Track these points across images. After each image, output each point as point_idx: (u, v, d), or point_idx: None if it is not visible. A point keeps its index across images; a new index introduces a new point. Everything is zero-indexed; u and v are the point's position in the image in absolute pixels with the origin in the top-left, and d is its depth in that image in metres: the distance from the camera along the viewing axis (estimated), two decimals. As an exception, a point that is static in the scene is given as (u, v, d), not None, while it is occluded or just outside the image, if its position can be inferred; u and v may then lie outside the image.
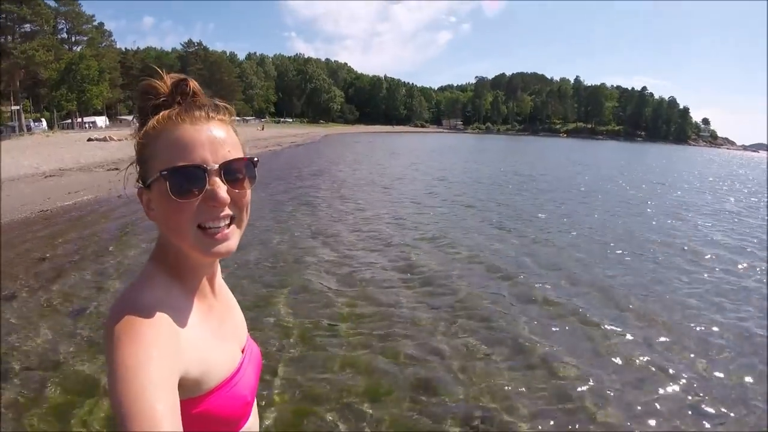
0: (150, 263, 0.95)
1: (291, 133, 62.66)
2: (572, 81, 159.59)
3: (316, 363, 4.80)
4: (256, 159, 0.96)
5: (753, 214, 16.27)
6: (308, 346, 5.17)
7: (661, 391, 4.58)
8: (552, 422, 4.02)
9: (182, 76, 0.94)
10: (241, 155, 0.93)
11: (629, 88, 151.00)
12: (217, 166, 0.87)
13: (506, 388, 4.49)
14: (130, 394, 0.67)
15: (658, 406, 4.32)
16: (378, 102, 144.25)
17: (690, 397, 4.49)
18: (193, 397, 0.86)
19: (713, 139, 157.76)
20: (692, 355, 5.33)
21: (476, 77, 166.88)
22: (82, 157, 23.69)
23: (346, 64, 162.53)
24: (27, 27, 52.58)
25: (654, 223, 13.33)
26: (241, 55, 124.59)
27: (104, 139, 35.16)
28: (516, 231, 11.36)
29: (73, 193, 14.37)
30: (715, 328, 6.08)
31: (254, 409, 1.10)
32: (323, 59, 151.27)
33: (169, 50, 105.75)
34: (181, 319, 0.87)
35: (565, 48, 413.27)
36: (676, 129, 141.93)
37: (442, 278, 7.55)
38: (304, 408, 4.09)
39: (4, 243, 9.00)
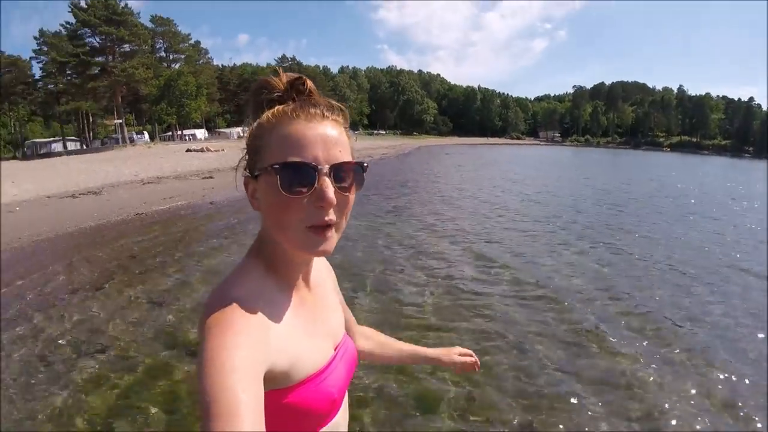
0: (248, 257, 0.98)
1: (383, 144, 63.47)
2: (675, 91, 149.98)
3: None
4: (366, 164, 0.95)
5: None
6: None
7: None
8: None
9: (298, 75, 0.96)
10: (351, 158, 0.93)
11: (736, 99, 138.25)
12: (327, 167, 0.88)
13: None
14: (215, 383, 0.68)
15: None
16: (472, 113, 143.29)
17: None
18: (279, 388, 0.87)
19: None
20: None
21: (574, 86, 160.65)
22: (179, 166, 25.17)
23: (438, 75, 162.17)
24: (126, 47, 57.28)
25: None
26: (334, 69, 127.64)
27: (201, 150, 37.39)
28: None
29: (168, 198, 15.34)
30: None
31: (344, 407, 1.10)
32: (416, 71, 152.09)
33: (264, 65, 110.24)
34: (272, 312, 0.89)
35: (667, 55, 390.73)
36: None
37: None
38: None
39: (102, 239, 9.77)
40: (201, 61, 74.80)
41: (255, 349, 0.77)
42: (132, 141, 52.06)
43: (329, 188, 0.86)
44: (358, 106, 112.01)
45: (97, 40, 54.81)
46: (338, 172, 0.89)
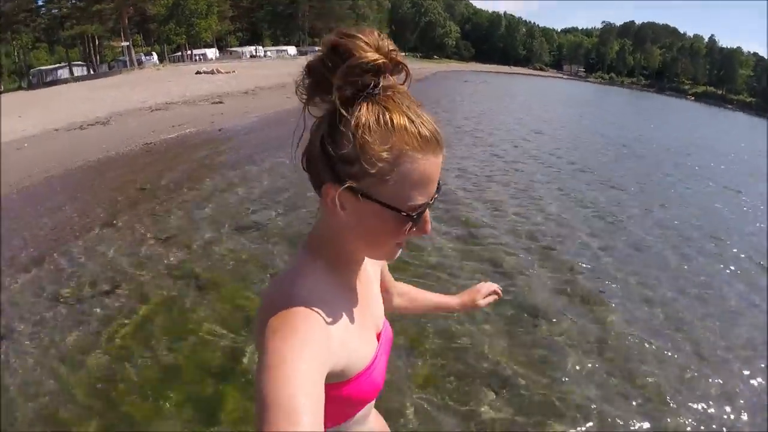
0: (307, 254, 0.97)
1: (401, 67, 61.76)
2: (706, 40, 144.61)
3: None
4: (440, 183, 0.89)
5: None
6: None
7: None
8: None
9: (396, 52, 0.82)
10: None
11: (766, 58, 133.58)
12: (432, 201, 0.87)
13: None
14: (277, 384, 0.68)
15: None
16: (495, 40, 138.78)
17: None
18: (331, 383, 0.87)
19: None
20: None
21: (603, 22, 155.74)
22: (188, 91, 25.02)
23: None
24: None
25: None
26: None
27: (211, 72, 37.00)
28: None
29: (176, 126, 15.36)
30: None
31: None
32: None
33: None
34: (333, 314, 0.89)
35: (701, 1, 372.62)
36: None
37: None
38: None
39: (109, 175, 9.98)
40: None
41: (319, 353, 0.78)
42: (140, 63, 51.44)
43: (429, 221, 0.89)
44: (377, 27, 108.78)
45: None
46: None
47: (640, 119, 32.90)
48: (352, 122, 0.78)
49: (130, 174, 9.92)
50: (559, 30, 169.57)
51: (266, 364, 0.71)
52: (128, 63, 49.91)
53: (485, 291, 1.58)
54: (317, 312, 0.84)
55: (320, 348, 0.79)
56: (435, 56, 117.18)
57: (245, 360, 3.99)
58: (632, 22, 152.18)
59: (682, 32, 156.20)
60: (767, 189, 12.22)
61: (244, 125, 16.47)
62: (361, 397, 0.99)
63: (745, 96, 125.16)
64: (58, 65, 55.91)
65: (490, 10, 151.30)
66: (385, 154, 0.78)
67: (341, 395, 0.93)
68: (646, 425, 3.55)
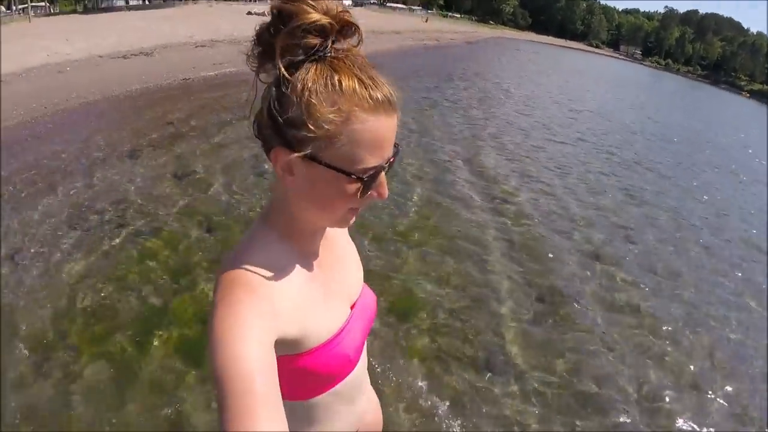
0: (262, 224, 0.96)
1: (454, 29, 60.64)
2: None
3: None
4: (398, 145, 0.88)
5: None
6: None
7: None
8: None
9: (346, 13, 0.80)
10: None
11: None
12: (387, 164, 0.85)
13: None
14: (227, 354, 0.71)
15: None
16: (554, 11, 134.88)
17: None
18: (290, 354, 0.89)
19: None
20: None
21: (665, 7, 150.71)
22: (236, 30, 24.79)
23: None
24: None
25: None
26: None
27: (263, 14, 36.11)
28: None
29: (217, 64, 15.28)
30: None
31: (363, 358, 1.14)
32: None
33: None
34: (282, 282, 0.88)
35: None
36: None
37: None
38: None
39: (144, 105, 10.15)
40: None
41: (262, 319, 0.78)
42: (196, -3, 51.27)
43: (385, 184, 0.87)
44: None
45: None
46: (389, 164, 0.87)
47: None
48: (298, 85, 0.77)
49: (162, 108, 10.07)
50: (620, 9, 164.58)
51: (215, 334, 0.74)
52: (179, -4, 49.70)
53: None
54: (264, 280, 0.85)
55: (264, 314, 0.80)
56: (491, 21, 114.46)
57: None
58: (695, 11, 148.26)
59: (745, 27, 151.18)
60: None
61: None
62: (327, 371, 0.98)
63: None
64: (115, -9, 56.01)
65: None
66: (332, 116, 0.77)
67: (300, 367, 0.92)
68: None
